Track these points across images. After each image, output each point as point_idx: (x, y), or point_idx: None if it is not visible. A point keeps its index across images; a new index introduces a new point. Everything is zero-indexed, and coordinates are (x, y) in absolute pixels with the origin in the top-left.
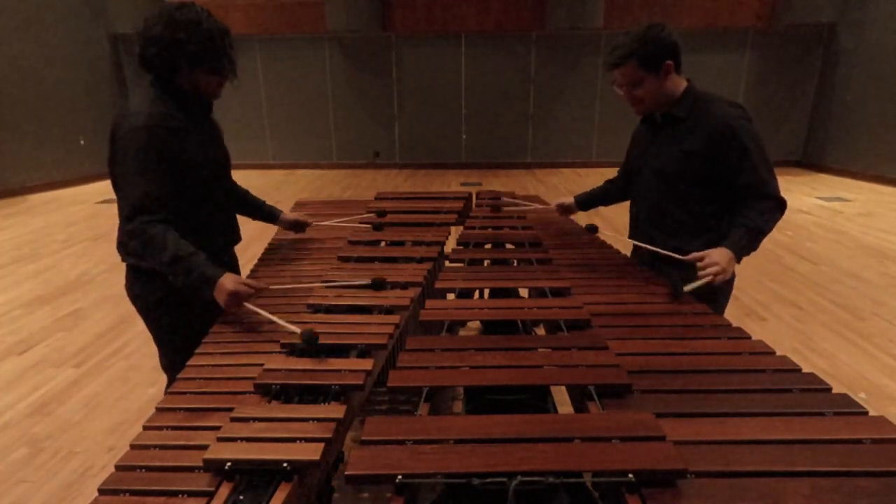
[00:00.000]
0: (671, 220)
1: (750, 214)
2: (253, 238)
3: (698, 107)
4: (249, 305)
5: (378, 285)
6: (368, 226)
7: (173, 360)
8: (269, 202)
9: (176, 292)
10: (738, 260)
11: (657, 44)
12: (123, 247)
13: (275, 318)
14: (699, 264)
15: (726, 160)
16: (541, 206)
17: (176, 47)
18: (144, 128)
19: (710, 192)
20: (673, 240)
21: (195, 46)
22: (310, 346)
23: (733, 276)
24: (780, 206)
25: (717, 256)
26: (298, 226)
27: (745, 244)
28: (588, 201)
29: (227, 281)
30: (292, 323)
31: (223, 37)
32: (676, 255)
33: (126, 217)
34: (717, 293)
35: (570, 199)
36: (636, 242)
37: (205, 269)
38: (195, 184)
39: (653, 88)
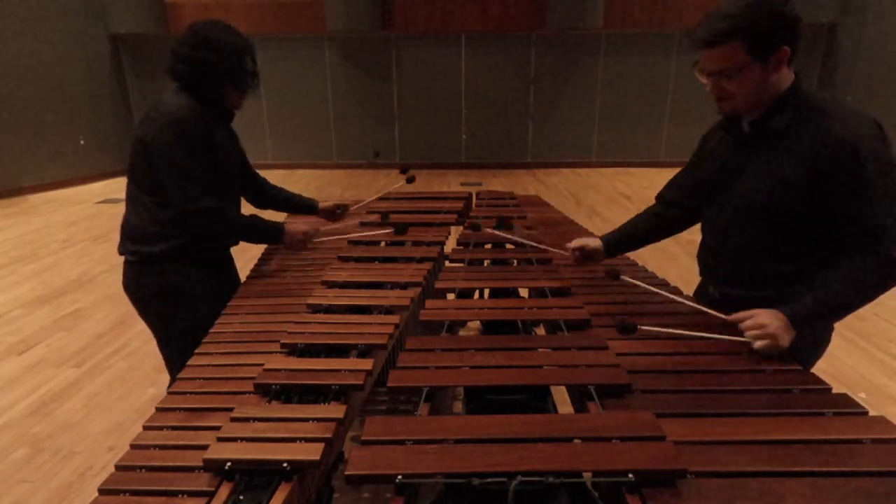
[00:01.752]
0: (759, 272)
1: (838, 276)
2: None
3: (806, 116)
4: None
5: (401, 229)
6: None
7: (172, 353)
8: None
9: (172, 284)
10: (799, 329)
11: (776, 21)
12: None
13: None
14: (741, 325)
15: (837, 192)
16: (552, 250)
17: (203, 66)
18: (187, 118)
19: (818, 234)
20: (759, 298)
21: (221, 66)
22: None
23: (826, 338)
24: (892, 268)
25: (764, 318)
26: (339, 210)
27: (812, 313)
28: (622, 242)
29: (289, 226)
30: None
31: (247, 54)
32: (720, 314)
33: (191, 199)
34: (813, 354)
35: (594, 242)
36: (688, 301)
37: (270, 223)
38: (218, 177)
39: (753, 83)
